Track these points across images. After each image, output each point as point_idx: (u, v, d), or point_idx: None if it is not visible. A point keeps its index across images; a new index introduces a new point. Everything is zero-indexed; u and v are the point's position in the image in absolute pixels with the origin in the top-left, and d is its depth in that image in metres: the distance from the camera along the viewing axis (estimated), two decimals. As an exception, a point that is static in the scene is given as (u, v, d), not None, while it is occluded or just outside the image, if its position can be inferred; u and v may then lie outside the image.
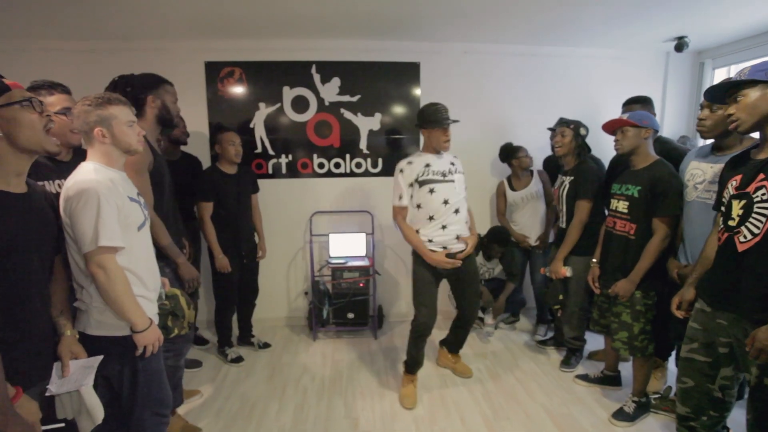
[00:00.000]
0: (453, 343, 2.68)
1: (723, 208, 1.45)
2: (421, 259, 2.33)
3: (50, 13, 2.48)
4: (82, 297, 1.38)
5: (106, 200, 1.28)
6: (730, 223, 1.40)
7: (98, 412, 1.32)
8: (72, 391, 1.26)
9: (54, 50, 2.96)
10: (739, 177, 1.42)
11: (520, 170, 3.13)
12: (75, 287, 1.39)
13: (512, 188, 3.18)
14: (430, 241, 2.30)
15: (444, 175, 2.30)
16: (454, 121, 2.29)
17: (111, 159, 1.40)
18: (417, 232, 2.32)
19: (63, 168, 1.43)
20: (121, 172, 1.44)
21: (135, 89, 1.77)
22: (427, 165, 2.29)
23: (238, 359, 2.81)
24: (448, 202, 2.28)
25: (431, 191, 2.27)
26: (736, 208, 1.38)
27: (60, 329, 1.33)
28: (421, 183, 2.28)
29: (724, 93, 1.43)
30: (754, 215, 1.32)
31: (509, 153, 3.15)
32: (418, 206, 2.31)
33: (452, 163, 2.36)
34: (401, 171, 2.32)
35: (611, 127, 2.13)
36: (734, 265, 1.38)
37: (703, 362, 1.53)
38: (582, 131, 2.53)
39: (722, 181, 1.54)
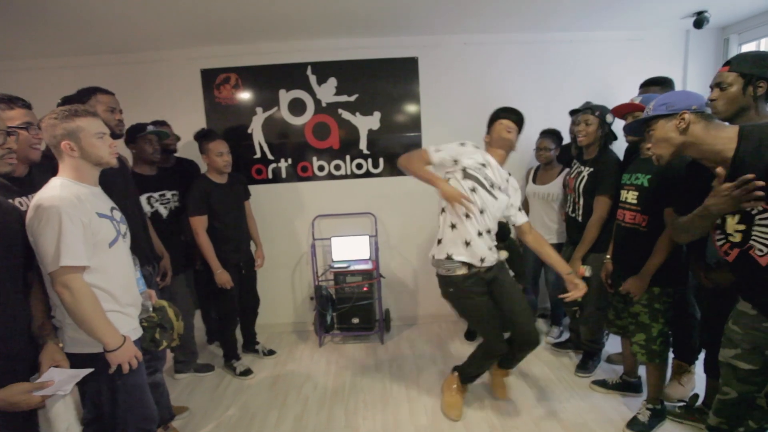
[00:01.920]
0: (506, 360, 2.23)
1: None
2: (456, 285, 2.01)
3: (42, 31, 2.53)
4: (56, 314, 1.36)
5: (69, 218, 1.25)
6: (732, 239, 1.33)
7: (59, 426, 1.27)
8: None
9: (46, 69, 3.01)
10: None
11: (539, 158, 2.89)
12: (51, 304, 1.38)
13: (534, 180, 2.93)
14: (449, 257, 1.98)
15: (492, 185, 1.99)
16: (519, 116, 2.06)
17: (81, 173, 1.37)
18: (439, 242, 2.05)
19: (20, 184, 1.42)
20: (92, 186, 1.42)
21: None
22: (483, 165, 1.98)
23: (247, 372, 2.73)
24: (484, 213, 1.97)
25: (473, 190, 1.94)
26: (732, 224, 1.32)
27: (42, 339, 1.31)
28: (467, 175, 1.95)
29: (642, 129, 1.48)
30: (757, 228, 1.24)
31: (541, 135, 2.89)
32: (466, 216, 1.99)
33: (507, 180, 2.09)
34: (462, 144, 2.02)
35: (622, 112, 1.95)
36: (764, 277, 1.27)
37: (748, 370, 1.36)
38: (609, 118, 2.30)
39: (690, 188, 1.53)
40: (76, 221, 1.27)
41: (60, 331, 1.36)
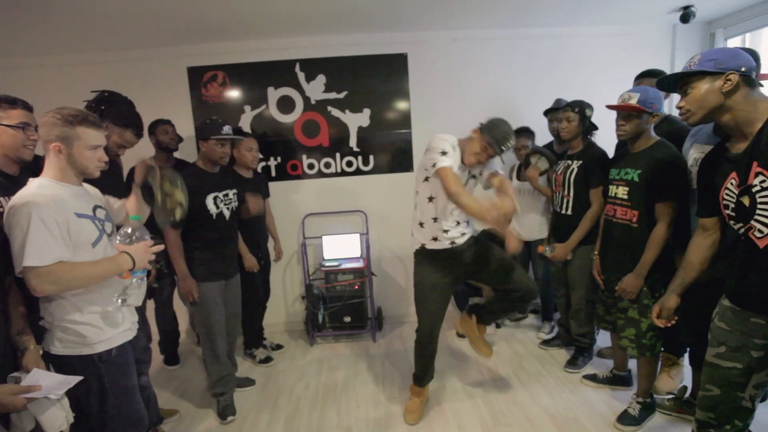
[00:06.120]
0: (488, 312, 2.27)
1: (732, 212, 1.29)
2: (425, 262, 2.08)
3: (26, 28, 2.47)
4: (44, 315, 1.34)
5: (39, 217, 1.20)
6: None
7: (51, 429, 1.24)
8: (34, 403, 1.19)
9: (35, 67, 2.94)
10: (734, 174, 1.27)
11: (519, 157, 2.91)
12: (40, 306, 1.35)
13: (518, 177, 2.92)
14: (435, 239, 2.02)
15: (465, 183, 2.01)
16: (501, 151, 1.93)
17: (65, 174, 1.34)
18: (421, 225, 2.05)
19: (14, 181, 1.41)
20: (75, 186, 1.38)
21: (106, 111, 1.83)
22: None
23: (267, 359, 2.85)
24: (453, 214, 2.01)
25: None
26: (746, 203, 1.24)
27: (22, 345, 1.29)
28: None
29: (675, 84, 1.35)
30: (759, 207, 1.18)
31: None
32: (430, 198, 1.99)
33: (473, 176, 2.07)
34: (444, 152, 1.92)
35: (617, 109, 1.94)
36: (760, 262, 1.22)
37: (731, 368, 1.31)
38: (588, 112, 2.34)
39: (706, 184, 1.40)
40: (48, 220, 1.22)
41: (49, 333, 1.33)
